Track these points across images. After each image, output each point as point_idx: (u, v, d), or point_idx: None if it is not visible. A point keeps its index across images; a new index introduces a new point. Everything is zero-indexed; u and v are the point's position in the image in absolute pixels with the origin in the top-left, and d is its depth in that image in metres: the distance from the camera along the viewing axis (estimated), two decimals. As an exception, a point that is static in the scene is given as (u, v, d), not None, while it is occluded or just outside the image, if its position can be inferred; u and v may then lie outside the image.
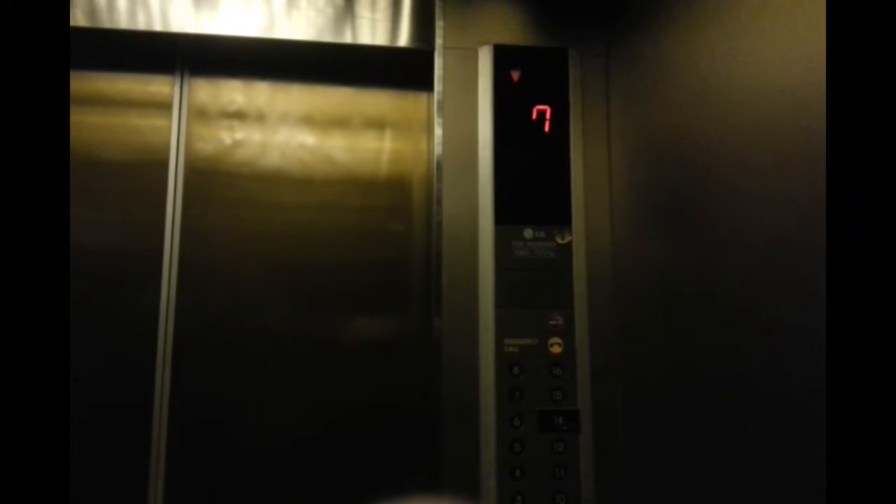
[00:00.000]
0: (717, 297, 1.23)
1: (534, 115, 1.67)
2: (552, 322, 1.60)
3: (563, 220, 1.65)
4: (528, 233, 1.63)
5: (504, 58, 1.69)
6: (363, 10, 1.69)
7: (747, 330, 1.13)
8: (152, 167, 1.67)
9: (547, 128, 1.67)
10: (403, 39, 1.71)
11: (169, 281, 1.63)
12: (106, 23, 1.60)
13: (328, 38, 1.68)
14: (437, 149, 1.65)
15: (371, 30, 1.69)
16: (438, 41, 1.68)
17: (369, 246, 1.72)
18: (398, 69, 1.77)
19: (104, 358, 1.58)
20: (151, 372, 1.59)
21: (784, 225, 1.04)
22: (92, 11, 1.59)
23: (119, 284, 1.61)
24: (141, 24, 1.61)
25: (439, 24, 1.69)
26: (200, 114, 1.72)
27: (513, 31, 1.71)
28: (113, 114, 1.69)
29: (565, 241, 1.64)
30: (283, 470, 1.61)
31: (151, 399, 1.58)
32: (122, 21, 1.60)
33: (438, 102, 1.66)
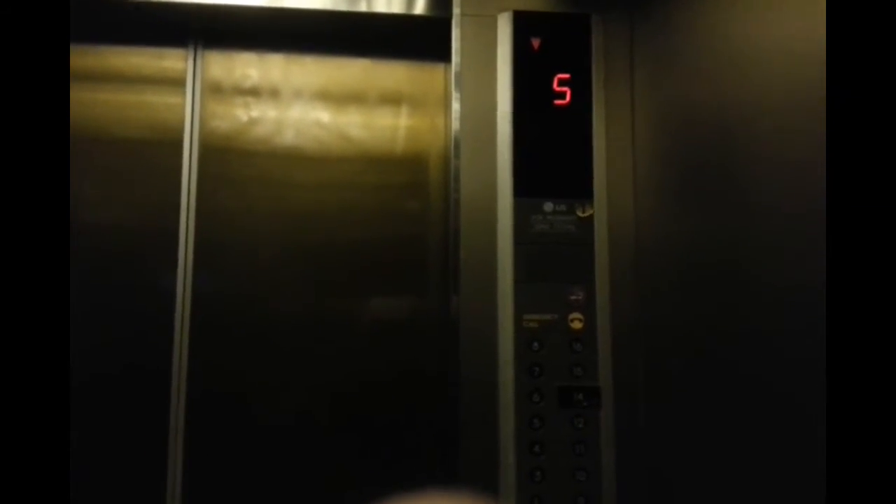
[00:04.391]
0: (743, 270, 1.21)
1: (555, 84, 1.63)
2: (573, 297, 1.58)
3: (584, 192, 1.61)
4: (548, 206, 1.60)
5: (524, 24, 1.64)
6: (378, -22, 1.66)
7: (773, 304, 1.10)
8: (167, 145, 1.66)
9: (568, 97, 1.63)
10: (420, 7, 1.67)
11: (185, 258, 1.63)
12: (116, -7, 1.58)
13: (343, 6, 1.65)
14: (455, 124, 1.62)
15: (387, -3, 1.66)
16: (456, 10, 1.63)
17: (386, 223, 1.71)
18: (415, 38, 1.73)
19: (122, 335, 1.60)
20: (169, 348, 1.60)
21: (813, 196, 1.00)
22: (101, -19, 1.58)
23: (135, 262, 1.62)
24: (152, -5, 1.59)
25: (457, -10, 1.64)
26: (214, 89, 1.70)
27: (533, -4, 1.66)
28: (125, 90, 1.68)
29: (586, 214, 1.60)
30: (299, 443, 1.63)
31: (169, 375, 1.60)
32: (133, -9, 1.58)
33: (456, 74, 1.62)
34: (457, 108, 1.62)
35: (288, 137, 1.71)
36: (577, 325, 1.57)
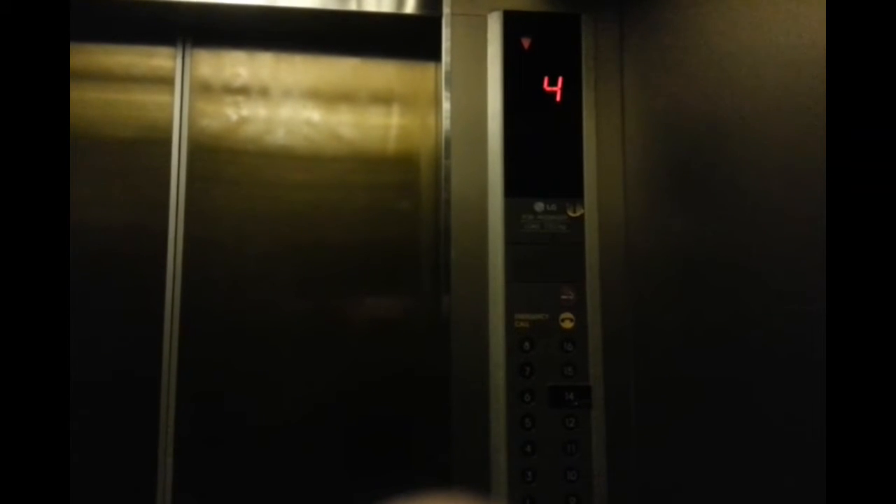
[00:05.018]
0: (733, 270, 1.21)
1: (545, 84, 1.63)
2: (564, 297, 1.58)
3: (575, 192, 1.61)
4: (538, 206, 1.60)
5: (514, 24, 1.63)
6: (369, -24, 1.65)
7: (762, 303, 1.11)
8: (156, 144, 1.64)
9: (558, 97, 1.63)
10: (410, 6, 1.66)
11: (174, 258, 1.61)
12: (102, -10, 1.56)
13: (333, 5, 1.64)
14: (445, 123, 1.61)
15: (377, -4, 1.65)
16: (446, 9, 1.63)
17: (377, 223, 1.70)
18: (405, 38, 1.72)
19: (110, 336, 1.58)
20: (158, 350, 1.59)
21: (812, 196, 1.00)
22: (88, -21, 1.55)
23: (123, 261, 1.60)
24: (140, -8, 1.57)
25: (447, -10, 1.64)
26: (204, 88, 1.69)
27: (523, -4, 1.66)
28: (113, 88, 1.66)
29: (577, 214, 1.60)
30: (289, 444, 1.61)
31: (158, 377, 1.58)
32: (120, -12, 1.56)
33: (446, 73, 1.61)
34: (447, 108, 1.61)
35: (278, 137, 1.70)
36: (568, 324, 1.57)
